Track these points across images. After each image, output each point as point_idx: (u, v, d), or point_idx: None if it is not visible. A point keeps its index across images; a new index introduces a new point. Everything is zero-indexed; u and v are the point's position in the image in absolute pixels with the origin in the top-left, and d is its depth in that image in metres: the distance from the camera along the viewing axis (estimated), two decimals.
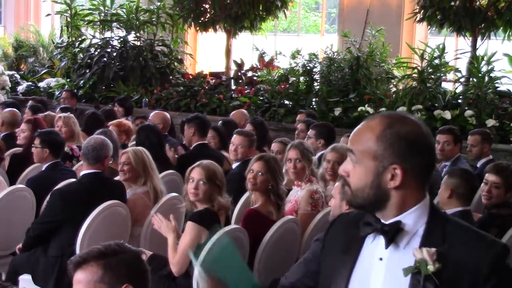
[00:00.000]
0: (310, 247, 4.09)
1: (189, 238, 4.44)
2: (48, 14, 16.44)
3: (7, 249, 5.67)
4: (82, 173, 5.45)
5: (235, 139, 6.62)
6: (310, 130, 7.48)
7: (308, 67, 11.47)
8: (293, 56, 11.84)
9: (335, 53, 11.43)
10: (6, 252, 5.67)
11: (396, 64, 11.40)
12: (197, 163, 4.72)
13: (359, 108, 10.26)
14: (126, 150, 5.86)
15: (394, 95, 10.66)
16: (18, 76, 14.84)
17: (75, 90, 12.47)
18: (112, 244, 2.41)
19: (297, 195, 5.46)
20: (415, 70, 10.51)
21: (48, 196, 5.30)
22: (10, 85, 13.70)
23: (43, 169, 6.13)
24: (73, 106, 10.64)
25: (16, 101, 11.12)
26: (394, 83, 11.22)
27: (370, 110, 10.11)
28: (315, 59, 11.55)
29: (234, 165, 6.62)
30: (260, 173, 4.92)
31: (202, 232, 4.42)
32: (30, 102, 10.06)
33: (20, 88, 14.29)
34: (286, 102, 11.28)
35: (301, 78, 11.59)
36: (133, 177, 5.62)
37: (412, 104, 9.93)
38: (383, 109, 10.07)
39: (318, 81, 11.40)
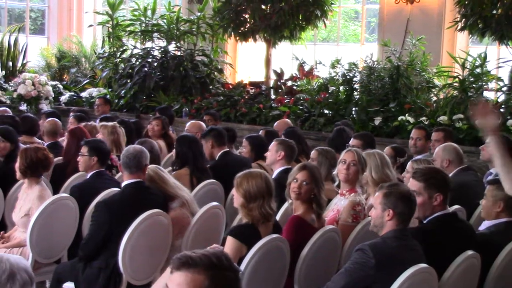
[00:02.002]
0: (351, 257, 4.12)
1: (229, 254, 4.40)
2: (91, 25, 16.68)
3: (51, 257, 5.73)
4: (123, 183, 5.49)
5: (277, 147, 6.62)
6: (352, 139, 7.51)
7: (348, 77, 11.45)
8: (333, 66, 11.83)
9: (375, 62, 11.38)
10: (50, 260, 5.72)
11: (436, 73, 11.32)
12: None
13: (399, 118, 10.20)
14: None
15: (434, 104, 10.57)
16: (61, 86, 15.06)
17: (110, 97, 12.63)
18: (222, 257, 2.34)
19: (339, 204, 5.45)
20: (456, 79, 10.42)
21: (93, 208, 5.36)
22: (53, 95, 13.90)
23: (88, 177, 6.18)
24: (106, 112, 10.77)
25: (59, 111, 11.30)
26: (435, 92, 11.12)
27: (411, 119, 10.05)
28: (355, 69, 11.51)
29: (274, 174, 6.61)
30: (304, 183, 4.92)
31: (242, 248, 4.40)
32: (72, 112, 10.20)
33: (63, 98, 14.50)
34: (326, 111, 11.26)
35: (341, 88, 11.56)
36: None
37: (453, 113, 9.85)
38: (424, 118, 10.00)
39: (358, 90, 11.35)
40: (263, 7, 12.64)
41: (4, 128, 7.22)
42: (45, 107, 13.11)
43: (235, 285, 2.36)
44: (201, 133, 7.88)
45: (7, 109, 10.53)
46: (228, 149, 7.47)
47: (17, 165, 5.76)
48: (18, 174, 5.83)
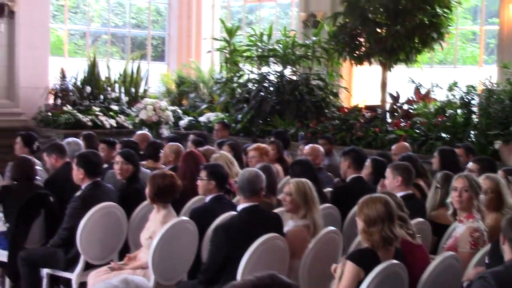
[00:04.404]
0: (473, 285, 4.04)
1: (348, 278, 4.43)
2: (209, 51, 17.11)
3: (172, 279, 5.91)
4: (239, 207, 5.61)
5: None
6: (472, 163, 7.35)
7: (466, 99, 11.23)
8: (450, 88, 11.62)
9: (494, 85, 11.11)
10: (171, 282, 5.90)
11: None
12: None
13: None
14: (290, 180, 5.99)
15: None
16: (180, 111, 15.49)
17: (227, 122, 12.89)
18: (265, 277, 2.29)
19: (458, 231, 5.38)
20: None
21: (212, 232, 5.51)
22: (173, 120, 14.30)
23: (207, 201, 6.33)
24: (225, 136, 10.98)
25: (178, 135, 11.64)
26: None
27: None
28: (473, 91, 11.28)
29: None
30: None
31: (360, 272, 4.41)
32: (191, 136, 10.48)
33: (182, 123, 14.90)
34: (443, 135, 11.07)
35: (459, 111, 11.34)
36: (294, 208, 5.72)
37: None
38: None
39: (477, 113, 11.11)
40: (379, 30, 12.60)
41: (126, 151, 7.52)
42: (165, 131, 13.50)
43: None
44: (343, 151, 7.94)
45: (147, 133, 10.91)
46: (361, 175, 7.45)
47: (146, 191, 5.99)
48: (148, 200, 6.07)
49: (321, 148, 8.99)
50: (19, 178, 7.13)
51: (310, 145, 9.13)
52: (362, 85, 15.52)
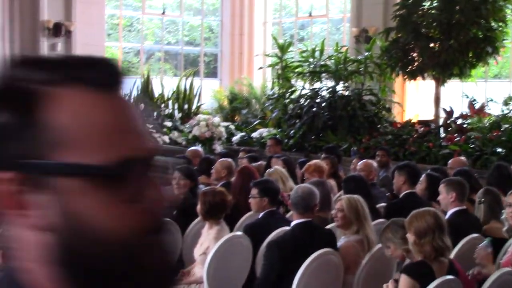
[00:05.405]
0: None
1: None
2: (260, 68, 17.22)
3: None
4: (293, 222, 5.63)
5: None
6: None
7: None
8: (506, 103, 11.50)
9: None
10: None
11: None
12: None
13: None
14: (342, 197, 5.99)
15: None
16: (232, 127, 15.59)
17: (279, 137, 12.94)
18: None
19: None
20: None
21: (265, 248, 5.53)
22: (225, 136, 14.40)
23: (260, 216, 6.36)
24: (278, 152, 10.99)
25: (231, 151, 11.72)
26: None
27: None
28: None
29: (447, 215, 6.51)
30: None
31: (416, 286, 4.39)
32: (241, 153, 10.54)
33: (235, 139, 14.98)
34: (499, 150, 10.93)
35: None
36: (346, 224, 5.72)
37: None
38: None
39: None
40: (432, 45, 12.52)
41: (185, 167, 7.60)
42: (218, 147, 13.60)
43: None
44: (397, 165, 7.88)
45: (199, 149, 11.01)
46: (415, 191, 7.40)
47: (198, 208, 6.05)
48: (199, 217, 6.13)
49: (375, 164, 8.94)
50: None
51: (364, 160, 9.08)
52: (415, 100, 15.42)
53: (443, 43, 12.28)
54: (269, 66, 16.31)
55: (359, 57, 14.29)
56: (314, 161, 8.83)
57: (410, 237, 4.56)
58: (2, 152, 0.93)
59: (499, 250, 5.85)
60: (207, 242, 5.93)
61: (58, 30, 14.13)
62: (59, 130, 0.91)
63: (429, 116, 13.54)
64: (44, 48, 14.12)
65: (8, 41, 13.83)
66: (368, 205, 6.71)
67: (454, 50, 12.15)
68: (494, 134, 11.20)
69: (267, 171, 8.02)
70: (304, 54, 14.92)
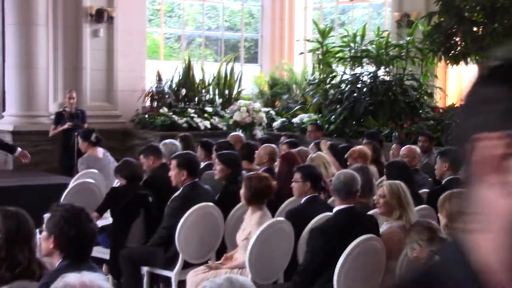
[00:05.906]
0: None
1: None
2: (301, 53, 17.15)
3: (269, 279, 5.99)
4: (335, 209, 5.64)
5: None
6: None
7: None
8: None
9: None
10: (268, 282, 5.98)
11: None
12: None
13: None
14: (384, 183, 5.99)
15: None
16: (273, 113, 15.60)
17: (320, 123, 12.93)
18: None
19: None
20: None
21: (307, 234, 5.56)
22: (266, 121, 14.41)
23: (302, 202, 6.39)
24: (319, 138, 10.96)
25: (272, 136, 11.74)
26: None
27: None
28: None
29: None
30: None
31: None
32: (283, 138, 10.54)
33: (275, 124, 15.00)
34: None
35: None
36: (388, 211, 5.71)
37: None
38: None
39: None
40: (475, 29, 12.35)
41: (227, 153, 7.62)
42: (258, 133, 13.63)
43: None
44: (439, 151, 7.86)
45: (240, 134, 11.03)
46: (458, 177, 7.35)
47: (242, 192, 6.09)
48: (242, 201, 6.18)
49: (418, 149, 8.89)
50: (128, 178, 7.34)
51: (407, 146, 9.04)
52: (458, 85, 15.25)
53: (486, 27, 12.10)
54: (310, 51, 16.23)
55: (401, 42, 14.15)
56: (358, 147, 8.83)
57: (442, 219, 4.55)
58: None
59: None
60: (250, 228, 5.97)
61: (100, 16, 14.24)
62: None
63: None
64: (87, 34, 14.25)
65: (52, 28, 13.98)
66: (411, 191, 6.70)
67: (498, 34, 11.96)
68: None
69: (309, 156, 8.03)
70: (345, 39, 14.83)
